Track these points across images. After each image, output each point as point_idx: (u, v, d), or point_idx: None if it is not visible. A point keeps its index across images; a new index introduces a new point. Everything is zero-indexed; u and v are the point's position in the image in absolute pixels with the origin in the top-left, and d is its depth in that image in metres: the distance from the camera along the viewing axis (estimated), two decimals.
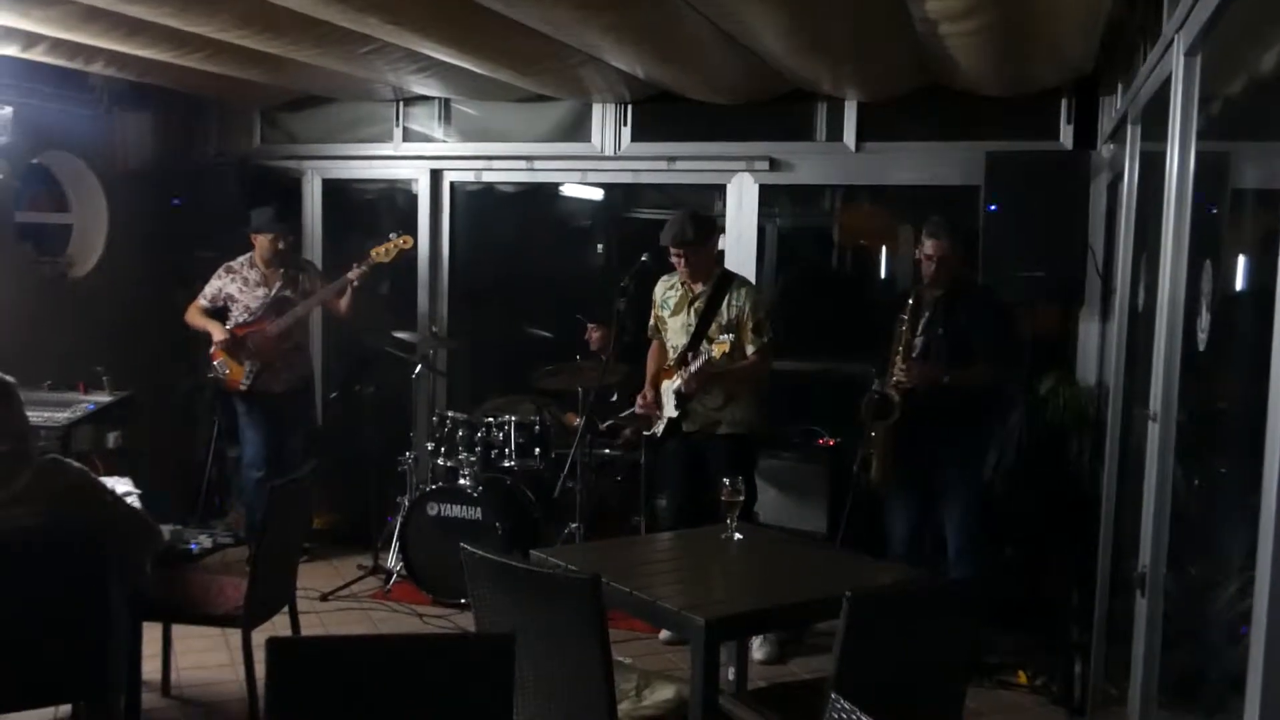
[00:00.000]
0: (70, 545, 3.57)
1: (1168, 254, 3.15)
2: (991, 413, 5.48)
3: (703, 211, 5.99)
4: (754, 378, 5.46)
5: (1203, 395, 3.22)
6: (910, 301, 5.15)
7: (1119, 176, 4.94)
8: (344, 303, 6.53)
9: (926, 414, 5.07)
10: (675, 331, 5.56)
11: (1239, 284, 3.25)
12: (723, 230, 5.85)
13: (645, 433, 5.69)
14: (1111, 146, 5.61)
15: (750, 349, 5.38)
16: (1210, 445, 3.32)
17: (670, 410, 5.46)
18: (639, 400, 5.62)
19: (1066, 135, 6.10)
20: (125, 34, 5.18)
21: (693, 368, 5.25)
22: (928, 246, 5.17)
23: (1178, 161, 3.12)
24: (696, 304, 5.48)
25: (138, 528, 3.86)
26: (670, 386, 5.45)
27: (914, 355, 5.10)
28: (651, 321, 5.74)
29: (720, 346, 5.06)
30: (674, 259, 5.44)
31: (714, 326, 5.39)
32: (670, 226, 5.39)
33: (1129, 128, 4.43)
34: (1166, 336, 3.15)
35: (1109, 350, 5.29)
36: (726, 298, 5.42)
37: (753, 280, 6.04)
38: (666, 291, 5.65)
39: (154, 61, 5.81)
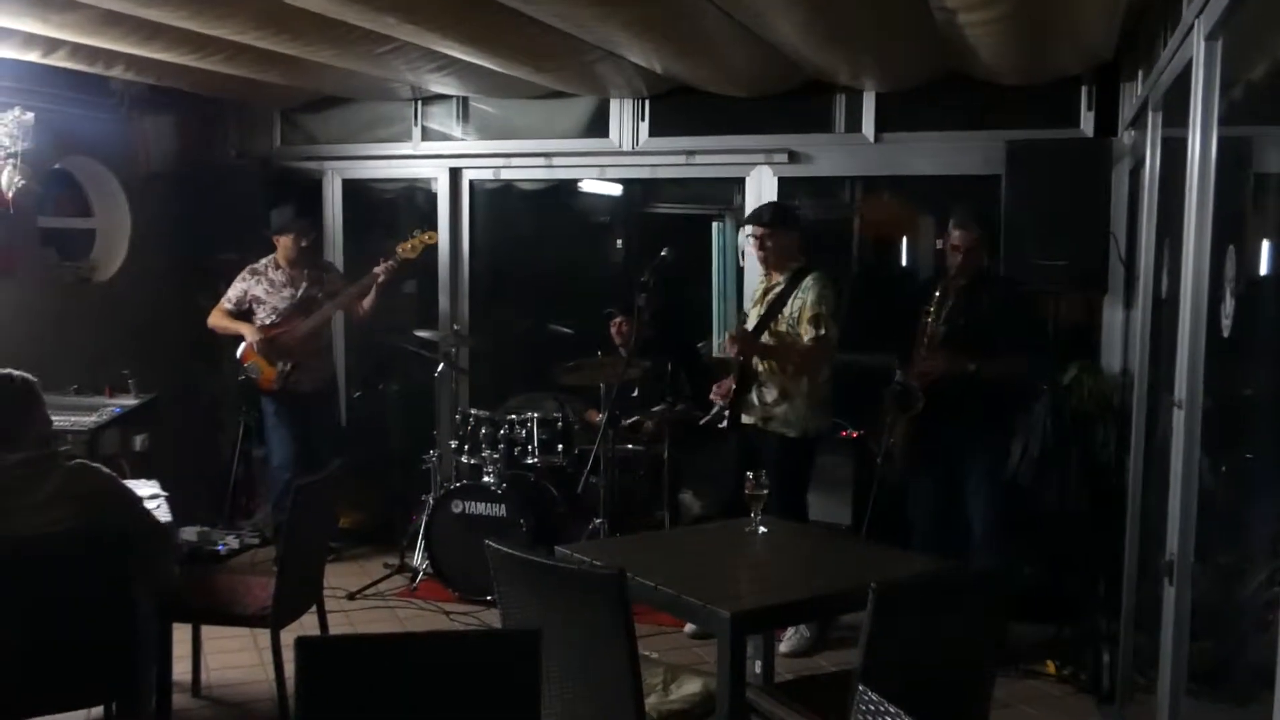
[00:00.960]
0: (100, 549, 3.59)
1: (1190, 240, 3.14)
2: (1015, 402, 5.46)
3: (785, 203, 6.05)
4: (805, 365, 5.35)
5: (1228, 381, 3.20)
6: (937, 293, 5.14)
7: (1141, 163, 4.92)
8: (366, 303, 6.56)
9: (950, 403, 5.05)
10: (752, 323, 5.56)
11: (1263, 269, 3.23)
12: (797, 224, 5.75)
13: (719, 425, 5.64)
14: (1133, 133, 5.58)
15: (805, 338, 5.32)
16: (1236, 431, 3.31)
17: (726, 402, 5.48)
18: (715, 388, 5.63)
19: (1087, 123, 6.06)
20: (144, 38, 5.21)
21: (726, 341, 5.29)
22: (955, 237, 5.16)
23: (1199, 147, 3.10)
24: (770, 295, 5.48)
25: (158, 536, 3.88)
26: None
27: (937, 345, 5.09)
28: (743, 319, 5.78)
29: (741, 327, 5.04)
30: (751, 241, 5.50)
31: (779, 318, 5.37)
32: (752, 210, 5.55)
33: (1150, 114, 4.40)
34: (1191, 323, 3.14)
35: (1133, 338, 5.26)
36: (796, 290, 5.40)
37: None
38: (757, 285, 5.70)
39: (173, 65, 5.84)
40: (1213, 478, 3.33)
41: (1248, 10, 2.80)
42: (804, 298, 5.35)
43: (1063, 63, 5.58)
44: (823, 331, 5.29)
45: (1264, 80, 3.10)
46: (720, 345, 5.28)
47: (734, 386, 5.41)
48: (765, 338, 5.37)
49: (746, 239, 5.53)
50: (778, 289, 5.44)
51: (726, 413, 5.49)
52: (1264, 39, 2.98)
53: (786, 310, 5.37)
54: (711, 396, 5.63)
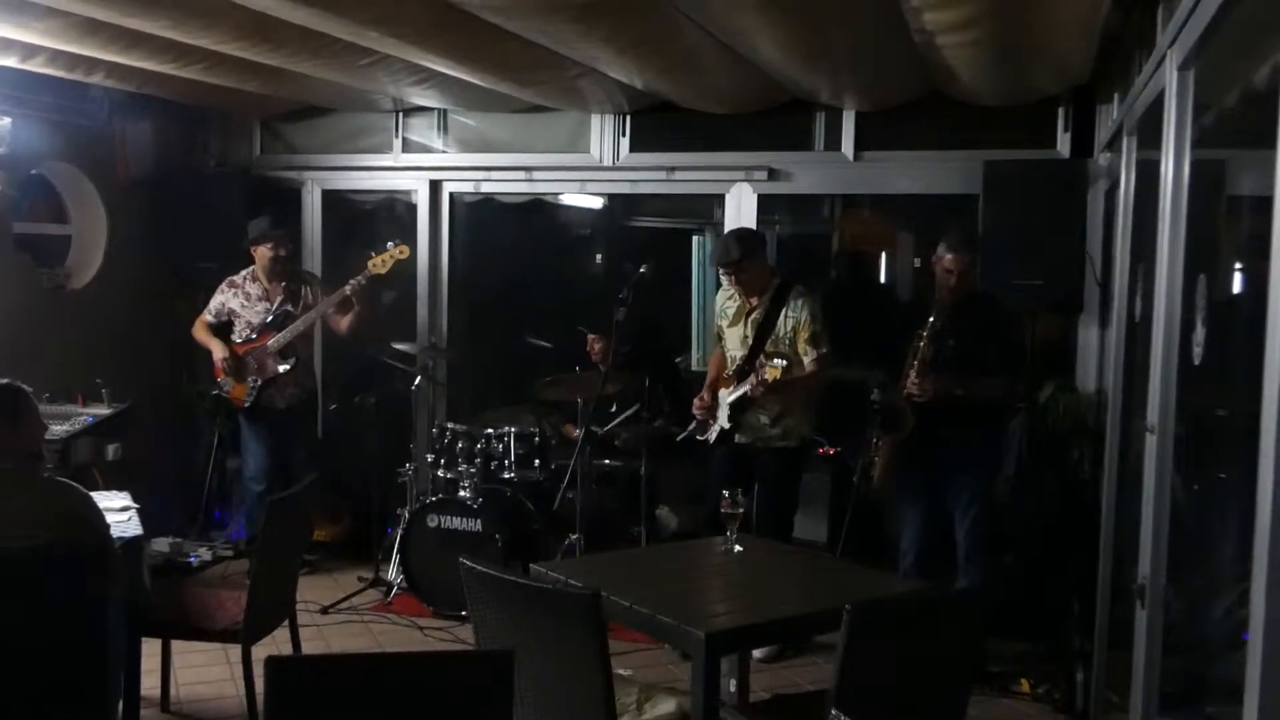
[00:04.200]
0: (72, 567, 3.55)
1: (1164, 268, 3.16)
2: (1001, 421, 5.49)
3: (746, 230, 5.99)
4: (810, 389, 5.46)
5: (1200, 406, 3.22)
6: (930, 318, 5.13)
7: (1116, 184, 4.95)
8: (345, 321, 6.46)
9: (937, 424, 5.06)
10: (733, 343, 5.56)
11: (1235, 294, 3.26)
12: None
13: (699, 437, 5.67)
14: (1109, 154, 5.62)
15: (806, 360, 5.36)
16: (1208, 455, 3.33)
17: (724, 420, 5.48)
18: (696, 403, 5.64)
19: (1064, 143, 6.11)
20: (125, 46, 5.18)
21: (746, 388, 5.24)
22: (947, 260, 5.16)
23: (1172, 175, 3.12)
24: (754, 316, 5.46)
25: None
26: (726, 397, 5.46)
27: (926, 368, 5.10)
28: (715, 330, 5.77)
29: (773, 372, 5.02)
30: (724, 278, 5.49)
31: (770, 341, 5.37)
32: (717, 247, 5.51)
33: (1125, 138, 4.44)
34: (1163, 349, 3.16)
35: (1108, 358, 5.29)
36: (784, 310, 5.40)
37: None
38: (725, 301, 5.66)
39: (154, 73, 5.81)
40: (1185, 500, 3.35)
41: (1221, 38, 2.82)
42: (797, 316, 5.38)
43: (1040, 84, 5.62)
44: (824, 350, 5.37)
45: (1237, 105, 3.12)
46: (750, 385, 5.23)
47: (728, 410, 5.41)
48: (759, 360, 5.28)
49: (723, 276, 5.51)
50: (760, 310, 5.44)
51: (713, 425, 5.52)
52: (1237, 65, 3.01)
53: (780, 331, 5.38)
54: (695, 411, 5.65)
